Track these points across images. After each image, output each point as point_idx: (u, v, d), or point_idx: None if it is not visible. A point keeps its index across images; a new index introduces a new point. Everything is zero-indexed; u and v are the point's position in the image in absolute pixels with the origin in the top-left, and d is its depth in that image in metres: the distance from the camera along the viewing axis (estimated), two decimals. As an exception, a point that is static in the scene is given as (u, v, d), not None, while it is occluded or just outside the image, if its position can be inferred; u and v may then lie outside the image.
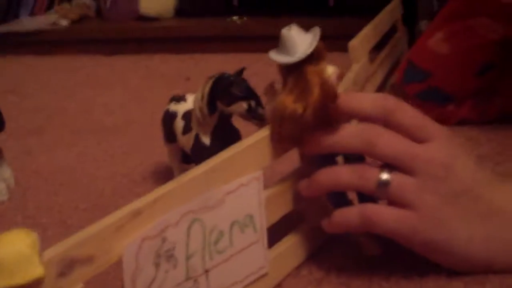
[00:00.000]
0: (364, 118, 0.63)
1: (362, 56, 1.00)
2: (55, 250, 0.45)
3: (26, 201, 0.90)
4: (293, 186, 0.66)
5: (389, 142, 0.61)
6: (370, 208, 0.62)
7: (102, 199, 0.89)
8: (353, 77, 0.91)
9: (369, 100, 0.64)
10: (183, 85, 1.38)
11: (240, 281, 0.61)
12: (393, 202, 0.61)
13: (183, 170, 0.74)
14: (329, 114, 0.63)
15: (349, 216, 0.63)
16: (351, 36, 0.99)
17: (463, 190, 0.61)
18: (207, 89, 0.71)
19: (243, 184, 0.60)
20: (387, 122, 0.62)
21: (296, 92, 0.62)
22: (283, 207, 0.66)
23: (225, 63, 1.49)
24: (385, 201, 0.62)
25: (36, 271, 0.40)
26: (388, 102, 0.63)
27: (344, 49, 0.97)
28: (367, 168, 0.62)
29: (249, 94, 0.69)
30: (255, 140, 0.62)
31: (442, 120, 1.00)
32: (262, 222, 0.62)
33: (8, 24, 1.85)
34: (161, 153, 1.01)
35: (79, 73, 1.55)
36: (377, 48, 1.11)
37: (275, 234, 0.65)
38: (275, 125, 0.63)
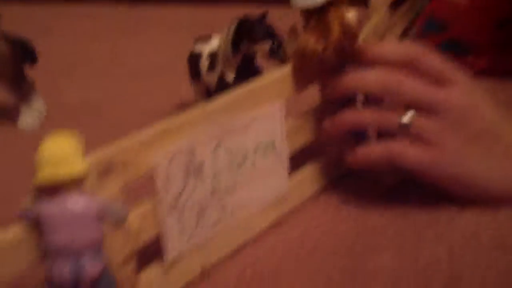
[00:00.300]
0: (387, 63, 0.66)
1: (382, 7, 1.02)
2: (96, 153, 0.49)
3: (56, 131, 0.94)
4: (314, 118, 0.70)
5: (412, 85, 0.64)
6: (394, 145, 0.65)
7: (129, 132, 0.92)
8: (373, 27, 0.93)
9: (393, 46, 0.67)
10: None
11: (261, 201, 0.65)
12: (415, 142, 0.64)
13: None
14: (349, 54, 0.66)
15: (373, 152, 0.67)
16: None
17: (483, 130, 0.64)
18: (232, 29, 0.75)
19: (266, 112, 0.63)
20: (410, 67, 0.65)
21: (317, 32, 0.66)
22: (304, 137, 0.70)
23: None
24: None
25: (79, 168, 0.44)
26: (411, 49, 0.66)
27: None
28: (389, 111, 0.66)
29: (272, 34, 0.74)
30: (279, 73, 0.66)
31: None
32: (284, 149, 0.66)
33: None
34: (186, 95, 1.06)
35: (104, 20, 1.59)
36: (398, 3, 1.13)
37: (296, 162, 0.69)
38: (297, 63, 0.66)
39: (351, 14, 0.67)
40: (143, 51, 1.33)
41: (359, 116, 0.67)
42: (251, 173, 0.63)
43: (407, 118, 0.64)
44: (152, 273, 0.56)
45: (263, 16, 0.75)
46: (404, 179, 0.71)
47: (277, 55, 0.72)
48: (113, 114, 1.00)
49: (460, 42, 1.03)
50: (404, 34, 1.14)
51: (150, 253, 0.53)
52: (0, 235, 0.45)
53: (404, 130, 0.64)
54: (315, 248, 0.63)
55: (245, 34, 0.74)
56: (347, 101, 0.70)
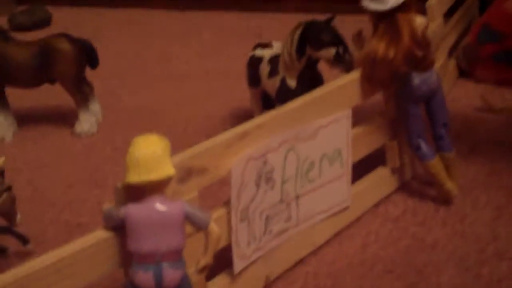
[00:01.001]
0: None
1: (438, 16, 1.02)
2: (176, 159, 0.50)
3: (114, 135, 0.96)
4: (378, 127, 0.71)
5: None
6: None
7: (186, 135, 0.94)
8: (430, 35, 0.94)
9: None
10: (255, 41, 1.41)
11: (324, 211, 0.65)
12: None
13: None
14: (418, 60, 0.67)
15: None
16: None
17: None
18: (297, 33, 0.75)
19: (334, 120, 0.64)
20: None
21: (387, 38, 0.67)
22: (368, 146, 0.70)
23: (296, 22, 1.52)
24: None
25: (169, 170, 0.45)
26: None
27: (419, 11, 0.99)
28: None
29: (338, 40, 0.73)
30: (346, 80, 0.66)
31: (513, 82, 1.03)
32: (349, 158, 0.66)
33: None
34: (238, 100, 1.07)
35: (154, 26, 1.60)
36: (449, 14, 1.13)
37: (357, 172, 0.69)
38: (367, 68, 0.67)
39: (419, 21, 0.68)
40: (194, 56, 1.34)
41: None
42: (317, 181, 0.64)
43: None
44: (220, 282, 0.56)
45: (329, 21, 0.75)
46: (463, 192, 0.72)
47: (342, 61, 0.72)
48: (169, 118, 1.02)
49: (516, 54, 1.03)
50: (457, 42, 1.14)
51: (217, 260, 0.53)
52: (83, 239, 0.46)
53: None
54: (374, 263, 0.63)
55: (311, 39, 0.73)
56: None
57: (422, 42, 0.67)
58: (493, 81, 1.05)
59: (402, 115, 0.71)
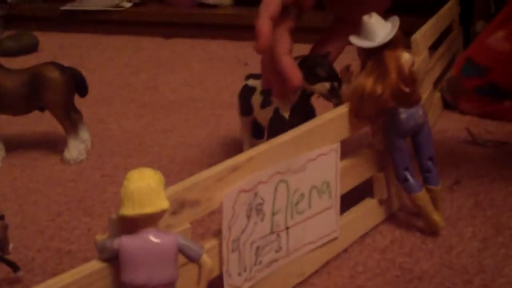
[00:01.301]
0: None
1: (423, 50, 1.04)
2: (170, 191, 0.50)
3: (103, 162, 0.97)
4: (366, 159, 0.72)
5: None
6: None
7: (174, 165, 0.95)
8: (415, 69, 0.95)
9: None
10: (242, 70, 1.43)
11: (314, 241, 0.66)
12: None
13: (253, 144, 0.79)
14: (405, 96, 0.68)
15: None
16: (409, 33, 1.03)
17: None
18: None
19: (323, 153, 0.65)
20: None
21: (375, 74, 0.68)
22: (356, 178, 0.71)
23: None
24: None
25: (163, 203, 0.46)
26: None
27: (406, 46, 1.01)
28: None
29: (333, 75, 0.74)
30: (335, 114, 0.68)
31: (498, 115, 1.05)
32: (337, 190, 0.67)
33: (74, 3, 1.93)
34: (226, 128, 1.08)
35: (142, 53, 1.62)
36: (433, 47, 1.15)
37: (345, 203, 0.70)
38: (355, 103, 0.69)
39: (406, 57, 0.70)
40: (182, 84, 1.35)
41: None
42: (306, 213, 0.64)
43: None
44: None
45: (325, 56, 0.77)
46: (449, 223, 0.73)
47: (336, 96, 0.74)
48: (157, 146, 1.02)
49: (499, 87, 1.05)
50: (441, 76, 1.16)
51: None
52: (78, 270, 0.46)
53: None
54: (363, 295, 0.64)
55: (306, 73, 0.75)
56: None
57: (409, 78, 0.68)
58: (477, 113, 1.08)
59: (389, 148, 0.72)
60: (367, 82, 0.68)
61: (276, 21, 0.70)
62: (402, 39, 0.70)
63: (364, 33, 0.69)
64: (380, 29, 0.69)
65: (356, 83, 0.69)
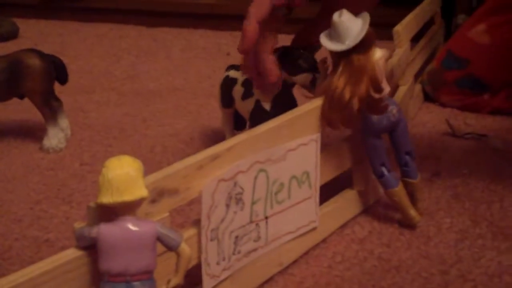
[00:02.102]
0: None
1: (405, 41, 1.04)
2: (149, 180, 0.50)
3: (82, 151, 0.96)
4: (346, 151, 0.72)
5: None
6: None
7: (153, 154, 0.95)
8: (397, 61, 0.96)
9: None
10: (224, 59, 1.43)
11: (293, 231, 0.66)
12: None
13: (234, 135, 0.79)
14: (373, 103, 0.68)
15: None
16: (391, 25, 1.03)
17: None
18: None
19: (303, 143, 0.65)
20: None
21: (346, 76, 0.66)
22: (335, 169, 0.72)
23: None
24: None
25: (141, 191, 0.46)
26: None
27: (385, 37, 1.01)
28: None
29: (315, 67, 0.74)
30: (316, 105, 0.67)
31: (477, 108, 1.06)
32: (317, 180, 0.68)
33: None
34: (207, 118, 1.08)
35: (123, 41, 1.60)
36: (415, 40, 1.16)
37: (324, 193, 0.70)
38: (325, 103, 0.67)
39: (379, 55, 0.68)
40: (163, 73, 1.35)
41: None
42: (286, 203, 0.65)
43: None
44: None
45: (308, 48, 0.76)
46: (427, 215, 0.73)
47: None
48: (137, 135, 1.02)
49: (478, 79, 1.06)
50: (422, 68, 1.16)
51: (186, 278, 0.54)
52: (55, 258, 0.46)
53: None
54: (340, 284, 0.64)
55: (287, 64, 0.74)
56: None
57: (380, 85, 0.67)
58: (457, 106, 1.08)
59: (364, 146, 0.72)
60: (338, 84, 0.66)
61: (264, 22, 0.69)
62: (373, 36, 0.67)
63: (334, 34, 0.67)
64: (350, 29, 0.66)
65: (327, 83, 0.68)
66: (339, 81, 0.66)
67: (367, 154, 0.72)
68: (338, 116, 0.67)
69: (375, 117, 0.69)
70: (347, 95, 0.66)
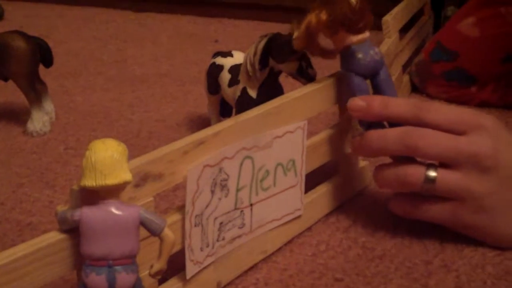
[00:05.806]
0: (400, 120, 0.66)
1: (394, 32, 1.04)
2: (133, 164, 0.50)
3: (67, 135, 0.96)
4: (332, 139, 0.72)
5: (430, 142, 0.63)
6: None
7: (139, 139, 0.94)
8: (385, 50, 0.96)
9: (402, 103, 0.67)
10: (212, 46, 1.42)
11: (278, 219, 0.66)
12: (439, 196, 0.65)
13: (220, 122, 0.79)
14: (352, 21, 0.66)
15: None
16: (380, 15, 1.02)
17: (508, 177, 0.63)
18: (261, 45, 0.75)
19: (289, 130, 0.65)
20: (423, 122, 0.64)
21: (321, 6, 0.66)
22: (322, 157, 0.71)
23: (253, 29, 1.54)
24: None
25: (125, 175, 0.45)
26: (420, 103, 0.66)
27: (374, 27, 1.01)
28: (412, 166, 0.65)
29: (302, 54, 0.73)
30: (303, 92, 0.67)
31: (464, 101, 1.06)
32: (302, 168, 0.67)
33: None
34: (193, 105, 1.07)
35: (110, 25, 1.60)
36: (404, 30, 1.16)
37: (310, 182, 0.70)
38: (303, 42, 0.68)
39: None
40: (150, 58, 1.34)
41: (384, 169, 0.68)
42: (271, 190, 0.64)
43: (431, 172, 0.64)
44: (172, 287, 0.56)
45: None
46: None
47: (304, 75, 0.73)
48: (122, 120, 1.01)
49: (466, 72, 1.06)
50: (411, 59, 1.16)
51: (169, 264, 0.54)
52: (36, 240, 0.46)
53: (429, 186, 0.64)
54: (324, 272, 0.64)
55: (275, 51, 0.74)
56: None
57: (356, 8, 0.66)
58: (445, 98, 1.08)
59: (350, 90, 0.69)
60: (314, 12, 0.66)
61: None
62: None
63: None
64: None
65: (304, 21, 0.67)
66: (315, 9, 0.66)
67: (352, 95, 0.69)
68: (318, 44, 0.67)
69: (360, 55, 0.68)
70: (323, 16, 0.65)
